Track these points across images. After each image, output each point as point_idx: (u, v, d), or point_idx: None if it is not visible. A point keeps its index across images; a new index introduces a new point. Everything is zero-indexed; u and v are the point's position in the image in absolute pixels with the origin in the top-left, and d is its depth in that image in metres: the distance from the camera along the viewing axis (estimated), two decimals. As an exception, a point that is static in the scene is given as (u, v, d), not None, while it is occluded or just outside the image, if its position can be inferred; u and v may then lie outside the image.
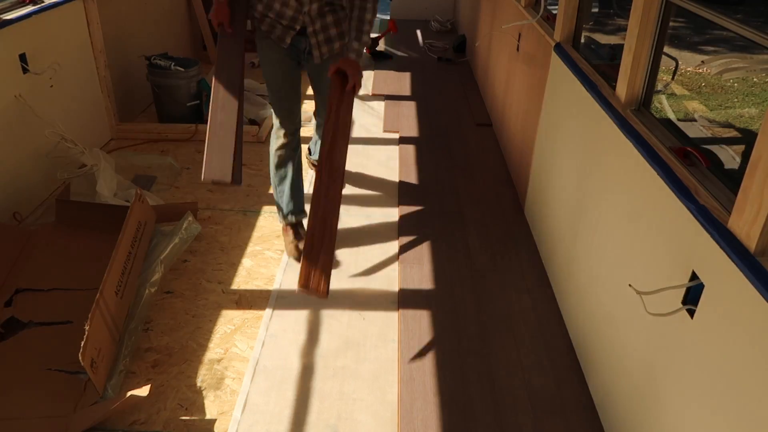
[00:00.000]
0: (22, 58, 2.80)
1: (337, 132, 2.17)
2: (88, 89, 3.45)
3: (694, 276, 1.35)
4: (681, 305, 1.39)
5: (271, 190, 2.71)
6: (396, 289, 2.47)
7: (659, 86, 4.17)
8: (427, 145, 3.75)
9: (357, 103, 3.91)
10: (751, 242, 1.17)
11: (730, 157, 3.39)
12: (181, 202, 3.01)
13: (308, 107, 3.31)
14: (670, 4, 1.71)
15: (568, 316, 2.25)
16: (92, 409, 1.85)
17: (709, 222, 1.29)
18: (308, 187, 3.24)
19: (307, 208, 2.45)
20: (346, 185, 3.27)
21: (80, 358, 1.78)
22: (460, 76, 5.07)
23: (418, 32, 6.48)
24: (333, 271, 2.56)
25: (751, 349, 1.14)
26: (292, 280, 2.50)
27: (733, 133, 4.19)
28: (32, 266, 2.42)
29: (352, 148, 3.41)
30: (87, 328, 1.86)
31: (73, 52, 3.26)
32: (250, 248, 2.72)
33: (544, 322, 2.28)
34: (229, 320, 2.29)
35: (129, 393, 1.82)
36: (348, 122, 2.21)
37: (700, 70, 5.44)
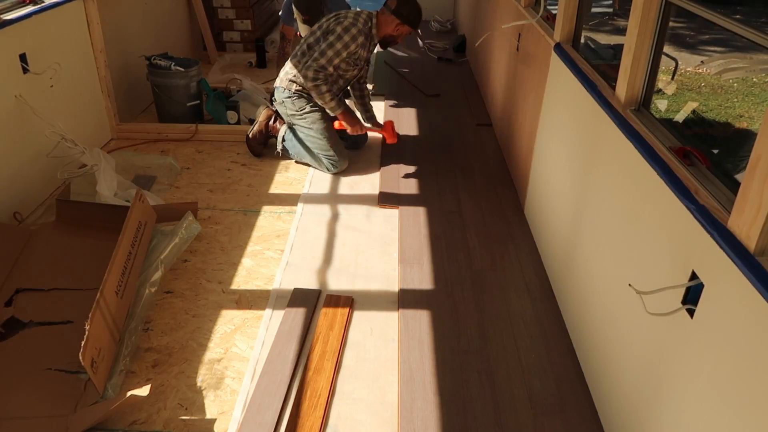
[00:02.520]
0: (23, 58, 2.80)
1: (324, 355, 2.09)
2: (88, 89, 3.45)
3: (693, 276, 1.35)
4: (681, 305, 1.39)
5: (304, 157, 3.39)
6: (396, 289, 2.47)
7: (659, 86, 4.17)
8: (427, 145, 3.75)
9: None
10: (751, 242, 1.17)
11: (729, 157, 3.39)
12: (181, 202, 3.01)
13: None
14: (670, 4, 1.71)
15: (568, 316, 2.25)
16: (92, 409, 1.85)
17: (708, 222, 1.29)
18: (308, 187, 3.25)
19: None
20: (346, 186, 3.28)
21: (80, 357, 1.79)
22: (460, 76, 5.08)
23: (418, 32, 6.48)
24: (334, 271, 2.58)
25: (751, 348, 1.15)
26: (292, 280, 2.51)
27: (733, 133, 4.20)
28: (33, 266, 2.42)
29: (352, 148, 3.41)
30: (87, 327, 1.86)
31: (74, 52, 3.26)
32: (250, 248, 2.72)
33: (544, 322, 2.28)
34: (229, 320, 2.29)
35: (129, 393, 1.82)
36: (338, 349, 2.12)
37: (700, 70, 5.45)
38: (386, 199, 3.11)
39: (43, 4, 2.97)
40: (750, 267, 1.13)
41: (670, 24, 1.78)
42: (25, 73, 2.82)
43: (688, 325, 1.36)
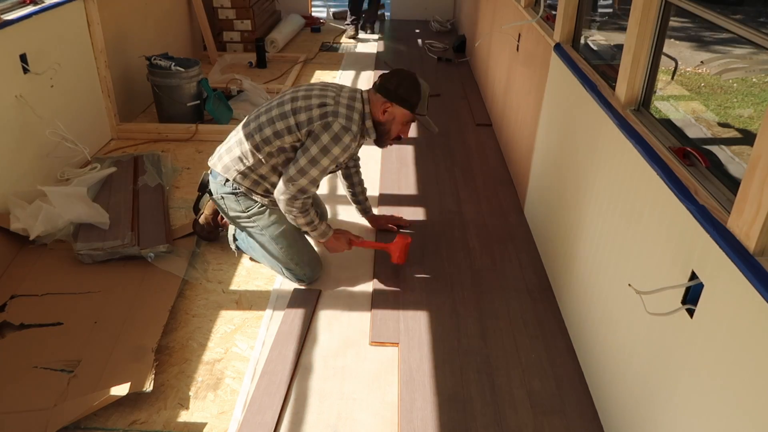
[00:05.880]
0: (23, 58, 2.80)
1: None
2: (89, 89, 3.46)
3: (693, 276, 1.35)
4: (680, 305, 1.39)
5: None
6: (396, 289, 2.47)
7: (659, 86, 4.16)
8: (427, 145, 3.75)
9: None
10: (751, 242, 1.17)
11: (729, 158, 3.40)
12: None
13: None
14: (670, 4, 1.71)
15: (568, 316, 2.25)
16: (74, 404, 1.84)
17: (708, 222, 1.30)
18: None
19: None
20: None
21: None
22: (460, 76, 5.08)
23: (418, 32, 6.49)
24: (334, 271, 2.58)
25: (751, 348, 1.15)
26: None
27: (733, 133, 4.19)
28: (29, 271, 2.42)
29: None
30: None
31: (74, 52, 3.26)
32: (250, 248, 2.71)
33: (544, 322, 2.28)
34: (229, 320, 2.29)
35: (111, 391, 1.82)
36: None
37: (700, 71, 5.45)
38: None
39: (43, 4, 2.98)
40: (750, 267, 1.14)
41: (670, 24, 1.78)
42: (25, 73, 2.82)
43: (688, 325, 1.37)
